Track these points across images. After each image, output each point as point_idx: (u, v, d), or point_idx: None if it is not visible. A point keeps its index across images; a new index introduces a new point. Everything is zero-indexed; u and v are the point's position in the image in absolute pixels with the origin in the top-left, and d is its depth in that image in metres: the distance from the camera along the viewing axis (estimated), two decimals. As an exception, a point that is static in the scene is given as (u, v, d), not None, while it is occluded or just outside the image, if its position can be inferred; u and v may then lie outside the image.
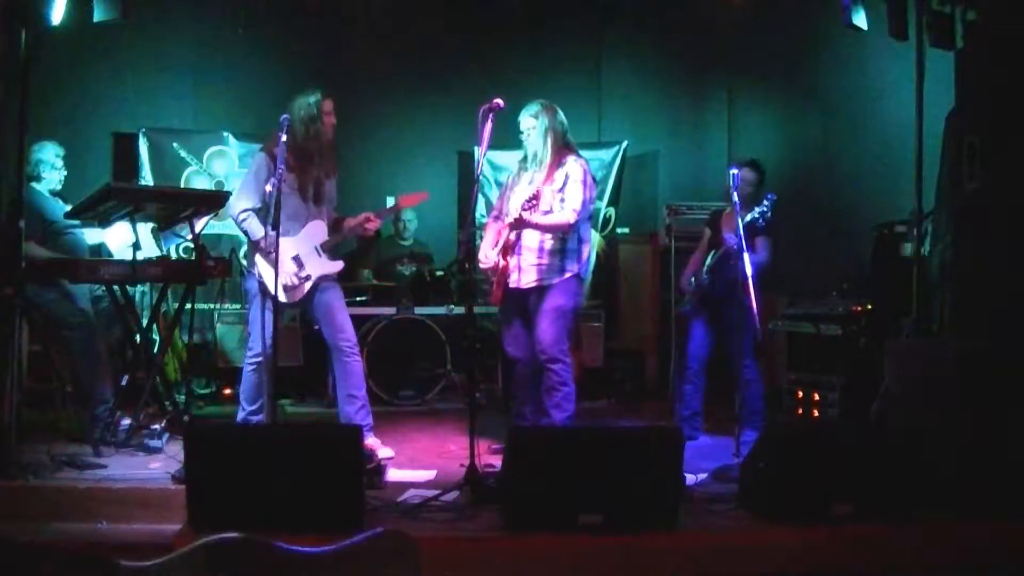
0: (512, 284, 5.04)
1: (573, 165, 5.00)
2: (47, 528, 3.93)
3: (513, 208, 5.00)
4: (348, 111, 5.26)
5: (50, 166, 5.35)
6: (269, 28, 7.79)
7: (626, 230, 7.96)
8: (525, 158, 5.13)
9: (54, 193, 5.34)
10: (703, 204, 7.54)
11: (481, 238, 5.51)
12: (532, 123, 5.01)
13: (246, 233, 4.91)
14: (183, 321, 5.42)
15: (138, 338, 5.29)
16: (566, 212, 4.92)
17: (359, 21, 7.68)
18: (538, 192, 4.89)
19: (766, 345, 6.06)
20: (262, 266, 4.80)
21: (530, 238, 5.00)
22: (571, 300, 5.04)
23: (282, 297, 4.83)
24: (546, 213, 4.95)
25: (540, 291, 5.02)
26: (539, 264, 5.00)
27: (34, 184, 5.31)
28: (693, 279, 5.64)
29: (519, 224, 4.90)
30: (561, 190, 4.96)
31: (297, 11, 7.73)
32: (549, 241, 4.99)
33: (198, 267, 5.13)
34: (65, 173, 5.45)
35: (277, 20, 7.76)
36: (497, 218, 5.26)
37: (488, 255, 5.13)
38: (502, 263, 5.03)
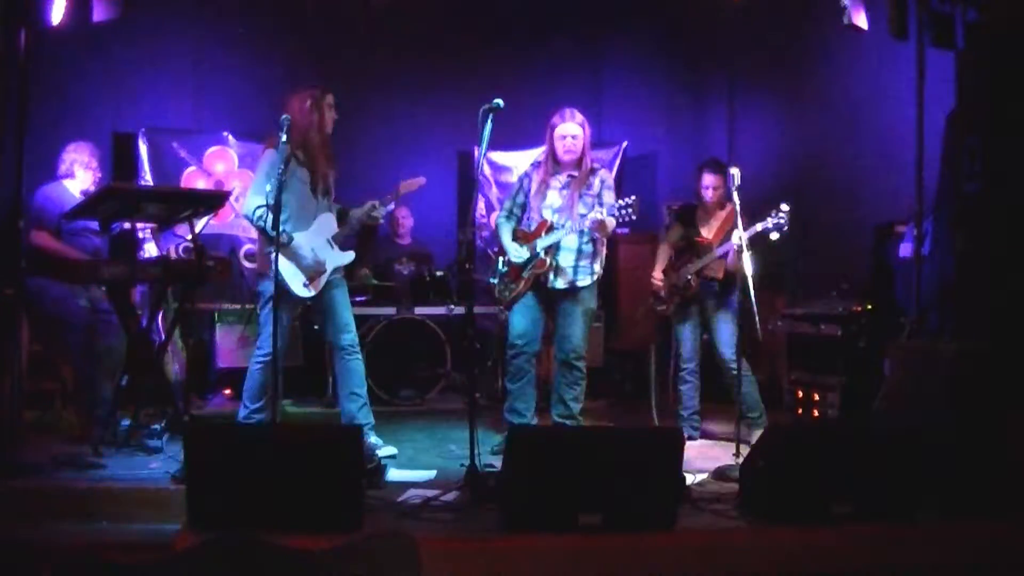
0: (548, 284, 5.20)
1: (605, 172, 5.35)
2: (47, 528, 3.93)
3: (548, 212, 5.20)
4: (348, 111, 5.27)
5: (84, 166, 5.37)
6: (269, 27, 7.79)
7: (626, 230, 7.96)
8: (555, 163, 5.23)
9: (85, 194, 5.34)
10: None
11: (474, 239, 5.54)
12: (579, 132, 5.19)
13: (263, 230, 4.82)
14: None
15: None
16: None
17: (359, 21, 7.68)
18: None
19: (766, 345, 6.06)
20: (282, 264, 4.73)
21: (569, 240, 5.17)
22: (597, 300, 5.38)
23: (302, 292, 4.85)
24: (586, 215, 5.11)
25: (573, 292, 5.22)
26: (576, 265, 5.21)
27: (66, 181, 5.34)
28: (663, 279, 5.65)
29: (600, 228, 5.04)
30: (598, 195, 5.20)
31: (297, 11, 7.74)
32: (586, 244, 5.20)
33: (198, 267, 5.14)
34: (100, 175, 5.47)
35: (277, 19, 7.76)
36: (509, 217, 5.38)
37: (518, 250, 5.22)
38: (549, 262, 5.15)
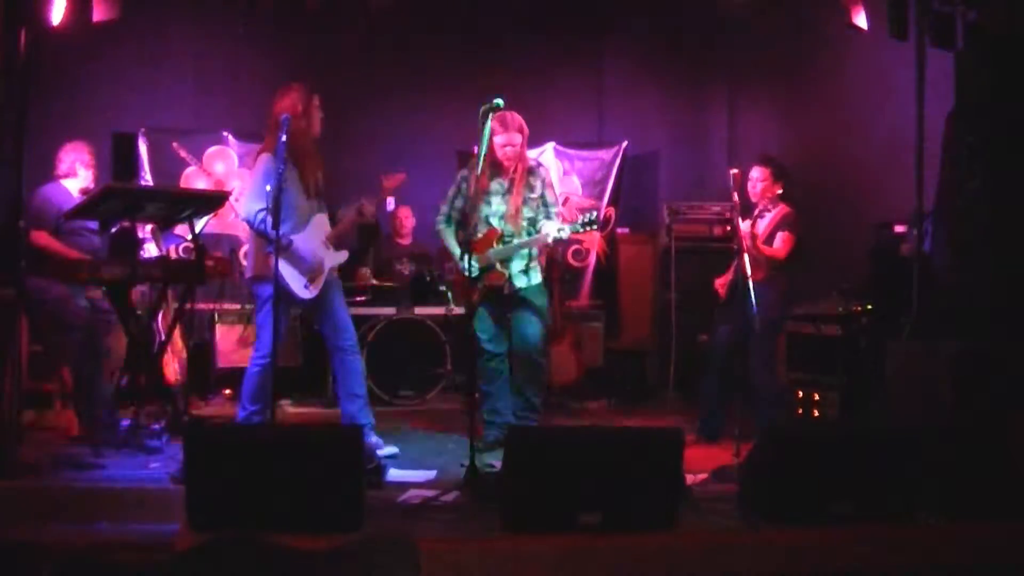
0: (506, 290, 5.19)
1: (544, 170, 5.31)
2: (47, 528, 3.93)
3: (495, 220, 5.17)
4: (348, 111, 5.28)
5: (85, 164, 5.39)
6: (269, 27, 7.79)
7: (626, 230, 7.97)
8: (496, 167, 5.13)
9: (84, 192, 5.35)
10: (703, 204, 7.55)
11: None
12: (518, 139, 5.08)
13: (263, 234, 4.77)
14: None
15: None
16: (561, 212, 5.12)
17: (359, 21, 7.68)
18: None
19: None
20: (282, 266, 4.70)
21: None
22: (545, 295, 5.40)
23: (303, 294, 4.85)
24: (532, 218, 5.15)
25: (526, 292, 5.22)
26: (527, 268, 5.23)
27: (66, 181, 5.35)
28: (722, 283, 5.61)
29: (544, 249, 5.21)
30: (542, 196, 5.19)
31: (297, 11, 7.73)
32: (534, 247, 5.20)
33: (198, 267, 5.14)
34: (97, 172, 5.48)
35: (277, 19, 7.76)
36: (448, 222, 5.36)
37: (471, 260, 5.12)
38: (506, 274, 5.15)
